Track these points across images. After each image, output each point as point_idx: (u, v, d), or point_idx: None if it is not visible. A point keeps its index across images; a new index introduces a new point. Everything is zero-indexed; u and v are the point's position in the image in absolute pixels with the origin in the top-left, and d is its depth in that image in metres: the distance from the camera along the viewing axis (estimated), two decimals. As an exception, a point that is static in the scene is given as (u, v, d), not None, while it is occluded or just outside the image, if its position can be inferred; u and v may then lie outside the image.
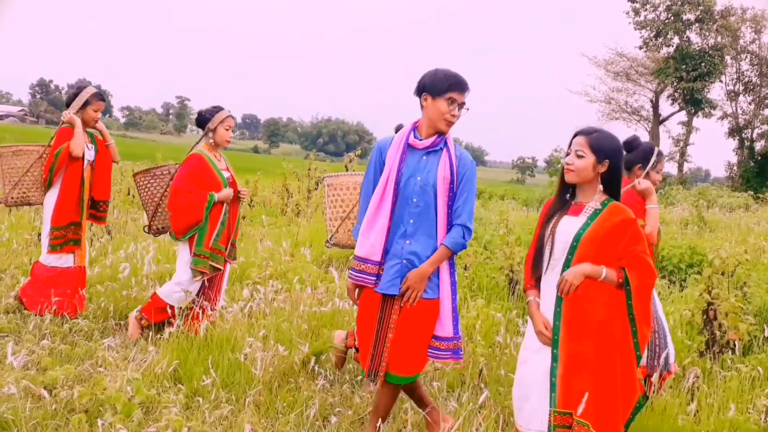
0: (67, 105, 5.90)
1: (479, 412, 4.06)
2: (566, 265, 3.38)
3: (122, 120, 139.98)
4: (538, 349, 3.43)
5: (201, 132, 5.66)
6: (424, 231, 3.76)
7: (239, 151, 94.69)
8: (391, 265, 3.76)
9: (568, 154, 3.47)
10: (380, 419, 3.86)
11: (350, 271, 3.82)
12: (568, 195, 3.55)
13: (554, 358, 3.35)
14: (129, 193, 14.32)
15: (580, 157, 3.41)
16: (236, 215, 5.76)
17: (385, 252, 3.78)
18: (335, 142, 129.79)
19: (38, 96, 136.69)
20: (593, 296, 3.30)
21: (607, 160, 3.39)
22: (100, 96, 5.97)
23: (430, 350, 3.81)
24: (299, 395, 4.50)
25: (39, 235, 7.58)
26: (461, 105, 3.76)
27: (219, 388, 4.41)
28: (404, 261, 3.75)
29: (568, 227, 3.42)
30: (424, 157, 3.78)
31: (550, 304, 3.43)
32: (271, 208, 14.87)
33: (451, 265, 3.83)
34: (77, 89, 5.95)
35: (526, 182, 75.94)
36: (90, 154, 5.94)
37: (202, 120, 5.61)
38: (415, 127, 3.84)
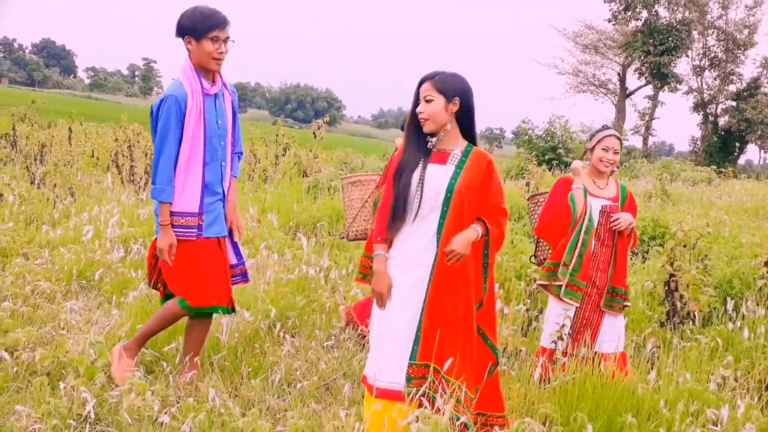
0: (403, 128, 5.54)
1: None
2: (442, 216, 3.35)
3: (87, 81, 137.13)
4: (399, 303, 3.38)
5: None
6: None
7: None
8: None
9: (416, 105, 3.43)
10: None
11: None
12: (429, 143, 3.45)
13: (422, 313, 3.34)
14: (93, 155, 14.11)
15: (429, 101, 3.37)
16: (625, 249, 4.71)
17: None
18: (304, 108, 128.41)
19: (1, 55, 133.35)
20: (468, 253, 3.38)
21: (457, 98, 3.37)
22: None
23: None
24: (264, 361, 4.50)
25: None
26: (226, 40, 3.85)
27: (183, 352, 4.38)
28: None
29: (437, 177, 3.38)
30: (217, 102, 3.95)
31: (416, 256, 3.38)
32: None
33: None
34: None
35: (493, 153, 76.12)
36: None
37: None
38: (198, 72, 3.87)
